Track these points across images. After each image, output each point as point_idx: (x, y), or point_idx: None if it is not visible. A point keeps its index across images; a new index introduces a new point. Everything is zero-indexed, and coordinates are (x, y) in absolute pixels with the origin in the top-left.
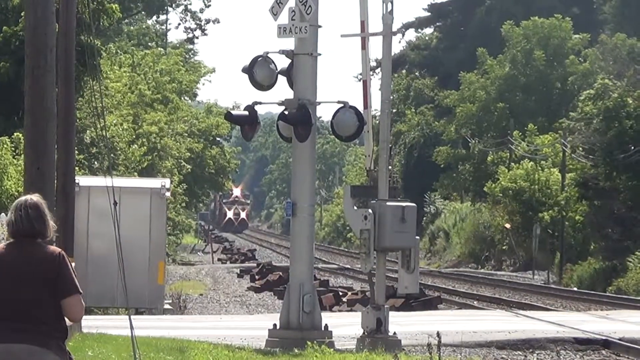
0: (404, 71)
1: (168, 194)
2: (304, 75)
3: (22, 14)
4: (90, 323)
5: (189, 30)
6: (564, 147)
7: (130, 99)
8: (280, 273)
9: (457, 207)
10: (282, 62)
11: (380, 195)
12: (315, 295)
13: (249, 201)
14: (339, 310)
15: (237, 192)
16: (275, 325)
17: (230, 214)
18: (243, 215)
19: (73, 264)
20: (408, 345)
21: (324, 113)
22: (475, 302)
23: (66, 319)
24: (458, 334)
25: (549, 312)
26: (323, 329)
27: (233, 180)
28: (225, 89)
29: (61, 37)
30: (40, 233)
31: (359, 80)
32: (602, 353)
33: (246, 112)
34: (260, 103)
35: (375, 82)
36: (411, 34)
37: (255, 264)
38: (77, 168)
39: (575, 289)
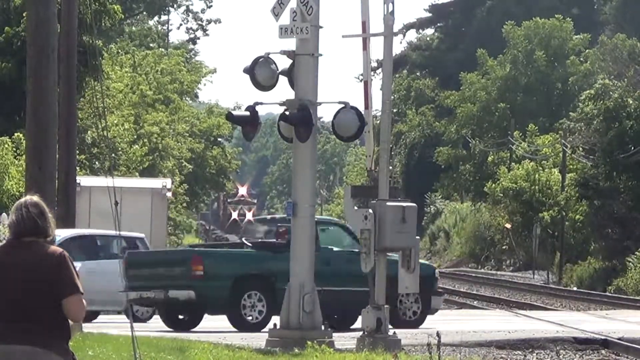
0: (405, 72)
1: (169, 194)
2: (305, 75)
3: (24, 15)
4: (91, 323)
5: (190, 31)
6: (564, 147)
7: (132, 99)
8: None
9: (458, 207)
10: (284, 63)
11: (381, 195)
12: (315, 295)
13: (255, 200)
14: None
15: (243, 191)
16: (275, 324)
17: (235, 215)
18: (249, 216)
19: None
20: (408, 345)
21: (325, 113)
22: (475, 302)
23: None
24: (458, 334)
25: (548, 311)
26: (323, 328)
27: (234, 180)
28: (226, 89)
29: (63, 38)
30: (43, 231)
31: (360, 80)
32: (601, 353)
33: (247, 113)
34: (261, 103)
35: (376, 82)
36: (412, 35)
37: None
38: (78, 168)
39: (575, 289)
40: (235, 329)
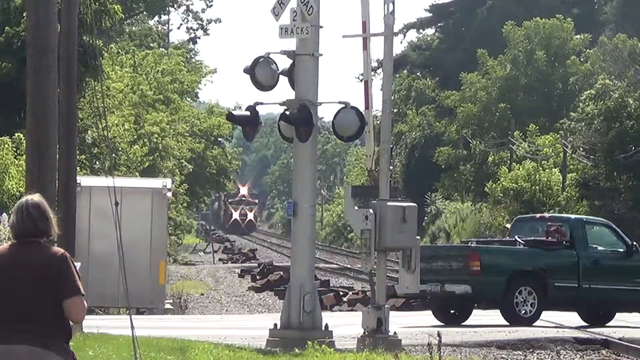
0: (405, 71)
1: (169, 194)
2: (305, 75)
3: (24, 15)
4: (92, 323)
5: (190, 31)
6: (564, 148)
7: (132, 99)
8: (281, 273)
9: (458, 207)
10: (284, 63)
11: (381, 195)
12: (316, 295)
13: (256, 200)
14: (340, 310)
15: (244, 190)
16: (275, 325)
17: (236, 215)
18: (250, 216)
19: (78, 265)
20: (408, 345)
21: (325, 113)
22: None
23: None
24: (458, 334)
25: (549, 311)
26: (324, 328)
27: (234, 180)
28: (226, 89)
29: (63, 38)
30: (44, 232)
31: (361, 80)
32: (602, 353)
33: (247, 113)
34: (261, 103)
35: (377, 82)
36: (412, 35)
37: (256, 264)
38: (78, 168)
39: None
40: (507, 323)
